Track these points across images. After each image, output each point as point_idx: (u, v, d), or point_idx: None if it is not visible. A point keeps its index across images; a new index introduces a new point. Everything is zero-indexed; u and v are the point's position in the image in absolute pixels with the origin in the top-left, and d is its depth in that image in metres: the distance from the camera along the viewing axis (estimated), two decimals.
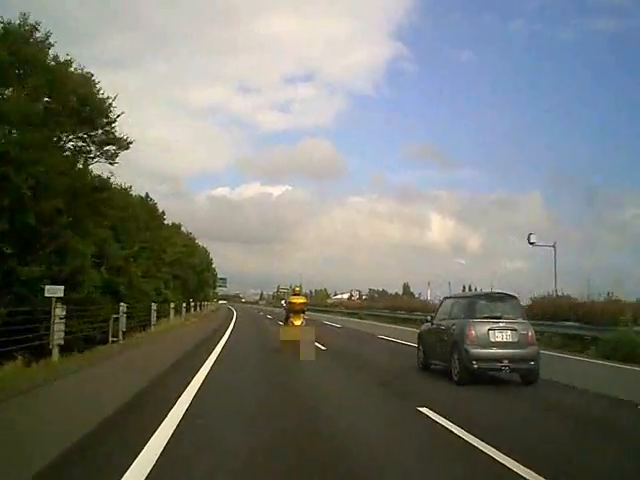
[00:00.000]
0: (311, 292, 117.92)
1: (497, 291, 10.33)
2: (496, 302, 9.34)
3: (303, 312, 13.60)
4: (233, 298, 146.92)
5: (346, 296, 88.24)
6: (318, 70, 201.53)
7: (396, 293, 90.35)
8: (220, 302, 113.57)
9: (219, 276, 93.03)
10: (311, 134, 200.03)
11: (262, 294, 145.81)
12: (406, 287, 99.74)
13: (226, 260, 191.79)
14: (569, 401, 7.94)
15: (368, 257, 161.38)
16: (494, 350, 8.65)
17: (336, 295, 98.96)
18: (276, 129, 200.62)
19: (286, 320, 13.93)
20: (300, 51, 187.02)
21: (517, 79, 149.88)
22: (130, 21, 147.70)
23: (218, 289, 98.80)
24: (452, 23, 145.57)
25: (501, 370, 8.75)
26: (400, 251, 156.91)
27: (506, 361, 8.62)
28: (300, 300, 13.82)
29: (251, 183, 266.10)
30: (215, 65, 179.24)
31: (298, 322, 13.20)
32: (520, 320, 9.04)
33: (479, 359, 8.59)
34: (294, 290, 14.87)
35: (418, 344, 11.25)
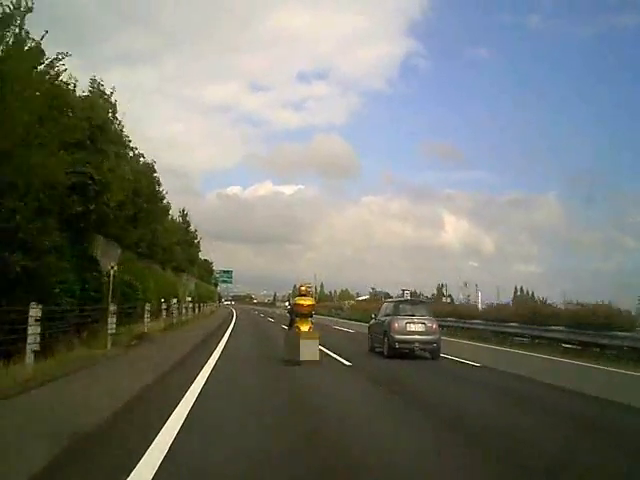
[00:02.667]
0: (331, 293, 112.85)
1: (414, 298, 15.11)
2: (413, 305, 14.18)
3: (311, 315, 12.00)
4: (244, 299, 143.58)
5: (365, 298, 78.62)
6: (331, 67, 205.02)
7: (433, 295, 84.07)
8: (226, 303, 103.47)
9: (223, 269, 78.54)
10: (324, 132, 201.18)
11: (275, 296, 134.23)
12: (440, 289, 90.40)
13: (237, 260, 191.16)
14: (444, 365, 12.62)
15: (382, 257, 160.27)
16: (409, 336, 13.33)
17: (359, 297, 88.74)
18: (289, 127, 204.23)
19: (290, 325, 12.29)
20: (313, 48, 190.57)
21: (533, 76, 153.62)
22: (144, 19, 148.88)
23: (222, 285, 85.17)
24: (467, 19, 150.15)
25: (414, 349, 13.41)
26: (414, 252, 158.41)
27: (417, 343, 13.33)
28: (308, 302, 12.00)
29: (263, 182, 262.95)
30: (228, 63, 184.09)
31: (305, 327, 11.56)
32: (428, 317, 13.83)
33: (399, 342, 13.28)
34: (300, 290, 12.51)
35: (368, 334, 15.91)
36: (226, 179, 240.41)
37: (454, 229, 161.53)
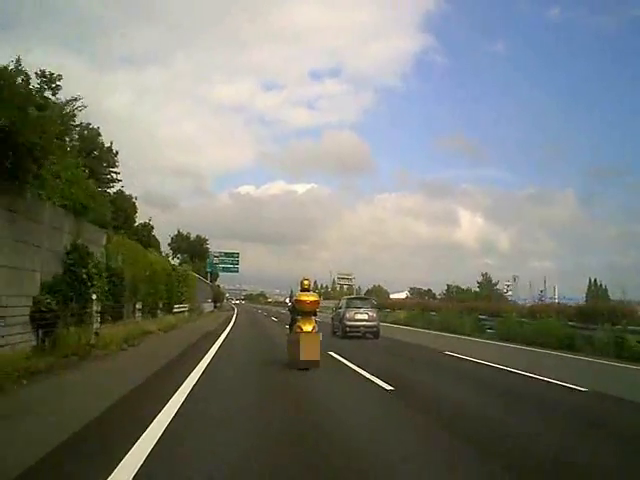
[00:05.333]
0: (357, 290, 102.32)
1: (361, 296, 20.58)
2: (360, 300, 19.73)
3: (315, 314, 10.93)
4: (257, 297, 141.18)
5: (401, 296, 68.39)
6: (344, 64, 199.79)
7: (475, 292, 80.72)
8: (236, 302, 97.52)
9: (224, 250, 57.66)
10: (337, 130, 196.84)
11: (292, 293, 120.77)
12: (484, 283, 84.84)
13: (250, 259, 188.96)
14: (379, 341, 18.01)
15: (397, 256, 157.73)
16: (357, 322, 18.77)
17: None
18: (301, 126, 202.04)
19: (292, 325, 11.10)
20: (326, 45, 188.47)
21: (549, 71, 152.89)
22: (154, 17, 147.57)
23: (224, 274, 62.37)
24: (483, 12, 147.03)
25: (360, 332, 18.82)
26: (430, 249, 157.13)
27: (362, 327, 18.78)
28: (311, 298, 10.90)
29: (276, 181, 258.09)
30: (240, 61, 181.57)
31: (309, 327, 10.49)
32: (370, 308, 19.36)
33: (350, 327, 18.72)
34: (302, 284, 11.28)
35: (331, 322, 21.33)
36: (238, 178, 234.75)
37: (470, 225, 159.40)
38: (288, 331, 11.40)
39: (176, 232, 58.07)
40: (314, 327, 10.40)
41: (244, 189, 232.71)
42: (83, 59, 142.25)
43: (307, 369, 9.74)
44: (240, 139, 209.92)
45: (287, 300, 24.43)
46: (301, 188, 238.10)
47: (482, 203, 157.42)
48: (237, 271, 58.83)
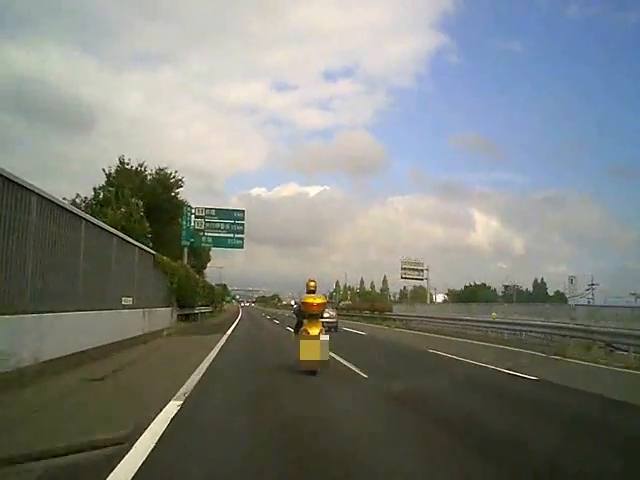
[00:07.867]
0: (393, 296, 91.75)
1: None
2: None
3: (321, 316, 10.60)
4: (272, 299, 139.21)
5: (438, 299, 59.62)
6: (358, 65, 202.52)
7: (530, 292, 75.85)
8: (246, 304, 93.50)
9: (216, 207, 32.37)
10: (350, 131, 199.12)
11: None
12: (539, 284, 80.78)
13: (265, 262, 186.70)
14: (342, 334, 24.70)
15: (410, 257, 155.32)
16: (324, 320, 25.22)
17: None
18: (315, 127, 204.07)
19: (297, 328, 10.67)
20: (340, 45, 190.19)
21: (567, 70, 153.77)
22: (167, 17, 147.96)
23: (219, 250, 40.55)
24: (499, 10, 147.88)
25: (324, 327, 25.40)
26: (444, 252, 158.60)
27: (325, 323, 24.66)
28: (318, 300, 10.39)
29: (288, 183, 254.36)
30: (253, 62, 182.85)
31: (316, 330, 9.97)
32: (332, 309, 26.00)
33: None
34: (308, 285, 10.70)
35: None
36: (250, 180, 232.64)
37: (485, 227, 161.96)
38: (293, 334, 11.15)
39: (117, 162, 31.97)
40: (321, 330, 10.02)
41: (256, 191, 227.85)
42: (99, 59, 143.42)
43: (314, 374, 9.63)
44: (253, 141, 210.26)
45: (292, 303, 19.46)
46: (313, 190, 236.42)
47: (498, 204, 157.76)
48: (241, 246, 32.77)
